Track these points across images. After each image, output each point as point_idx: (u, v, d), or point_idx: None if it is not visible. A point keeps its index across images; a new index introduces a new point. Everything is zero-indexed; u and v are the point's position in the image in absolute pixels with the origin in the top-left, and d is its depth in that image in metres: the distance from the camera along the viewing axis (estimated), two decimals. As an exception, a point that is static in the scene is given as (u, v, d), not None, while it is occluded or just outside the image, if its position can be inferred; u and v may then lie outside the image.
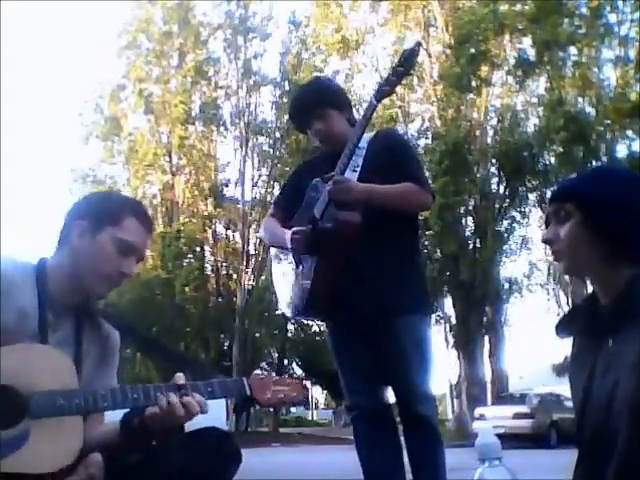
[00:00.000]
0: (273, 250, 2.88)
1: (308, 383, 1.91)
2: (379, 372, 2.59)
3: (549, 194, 1.61)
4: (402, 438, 2.60)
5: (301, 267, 2.61)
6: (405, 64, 2.49)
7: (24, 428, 1.49)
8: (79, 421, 1.56)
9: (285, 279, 2.74)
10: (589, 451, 1.38)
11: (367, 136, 2.65)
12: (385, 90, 2.54)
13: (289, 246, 2.61)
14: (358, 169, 2.59)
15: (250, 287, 23.65)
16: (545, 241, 1.50)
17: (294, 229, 2.61)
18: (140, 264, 1.84)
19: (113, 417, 1.69)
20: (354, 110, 2.90)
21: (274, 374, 1.92)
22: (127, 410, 1.65)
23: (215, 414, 1.69)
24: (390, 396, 2.64)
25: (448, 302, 21.44)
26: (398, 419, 2.61)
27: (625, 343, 1.33)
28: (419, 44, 2.63)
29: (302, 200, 2.71)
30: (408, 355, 2.52)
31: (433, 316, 18.93)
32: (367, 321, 2.54)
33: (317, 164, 2.80)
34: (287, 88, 24.29)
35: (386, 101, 3.26)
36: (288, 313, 2.76)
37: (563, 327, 1.53)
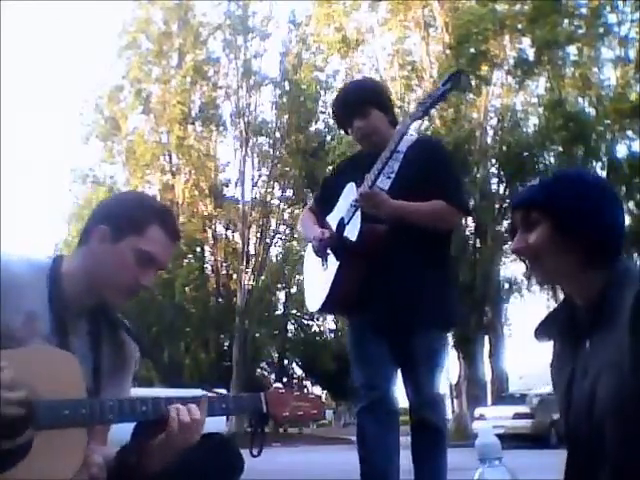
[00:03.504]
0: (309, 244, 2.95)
1: (324, 399, 1.83)
2: (395, 372, 2.64)
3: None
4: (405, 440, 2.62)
5: (325, 266, 2.67)
6: (446, 85, 2.58)
7: (27, 438, 1.43)
8: (83, 433, 1.49)
9: (313, 274, 2.80)
10: (576, 453, 1.39)
11: (407, 139, 2.64)
12: (423, 108, 2.62)
13: (313, 246, 2.70)
14: (393, 175, 2.61)
15: (250, 287, 23.62)
16: (515, 251, 1.48)
17: (318, 232, 2.68)
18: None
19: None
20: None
21: (295, 387, 1.80)
22: (126, 439, 1.58)
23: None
24: (399, 401, 2.67)
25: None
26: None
27: (601, 345, 1.34)
28: (461, 74, 2.76)
29: (338, 197, 2.73)
30: (422, 366, 2.57)
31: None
32: (386, 327, 2.57)
33: (357, 163, 2.82)
34: (287, 88, 24.29)
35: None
36: (309, 306, 2.84)
37: (542, 331, 1.53)
